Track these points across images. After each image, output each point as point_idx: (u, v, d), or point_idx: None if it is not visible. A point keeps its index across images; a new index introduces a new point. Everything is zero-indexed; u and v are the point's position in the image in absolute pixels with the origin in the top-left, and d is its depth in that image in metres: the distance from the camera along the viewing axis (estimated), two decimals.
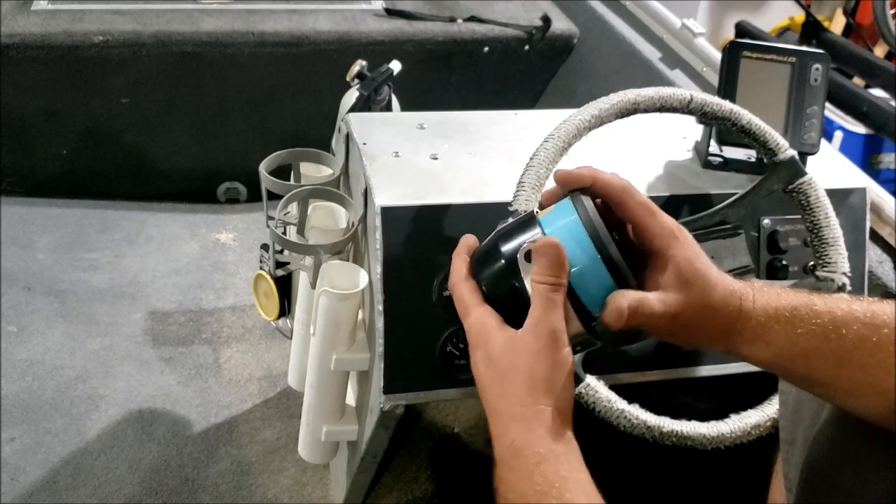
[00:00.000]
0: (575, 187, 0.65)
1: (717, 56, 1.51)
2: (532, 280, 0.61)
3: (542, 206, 0.69)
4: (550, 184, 0.75)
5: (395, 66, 1.37)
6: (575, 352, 0.63)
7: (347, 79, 1.36)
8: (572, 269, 0.61)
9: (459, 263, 0.68)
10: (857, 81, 2.19)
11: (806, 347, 0.60)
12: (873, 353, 0.58)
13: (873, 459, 0.61)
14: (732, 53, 0.98)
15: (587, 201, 0.63)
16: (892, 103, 2.00)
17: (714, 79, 1.45)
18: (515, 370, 0.60)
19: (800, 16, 2.69)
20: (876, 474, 0.61)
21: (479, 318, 0.64)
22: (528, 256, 0.62)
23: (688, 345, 0.65)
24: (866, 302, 0.61)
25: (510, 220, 0.74)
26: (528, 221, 0.65)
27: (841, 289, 0.89)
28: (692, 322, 0.62)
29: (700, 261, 0.62)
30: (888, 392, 0.57)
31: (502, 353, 0.61)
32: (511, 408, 0.60)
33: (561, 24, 1.97)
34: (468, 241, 0.69)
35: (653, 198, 0.96)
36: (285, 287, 1.16)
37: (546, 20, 1.93)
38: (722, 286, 0.62)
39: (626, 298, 0.60)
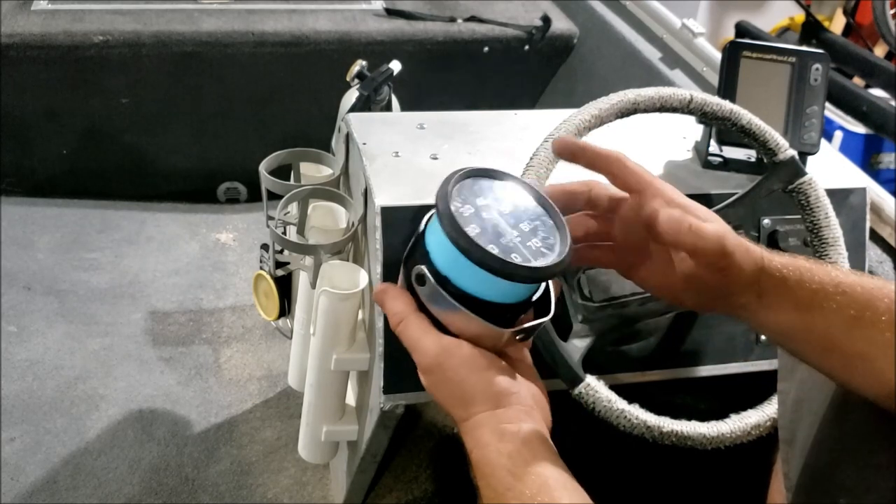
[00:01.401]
0: (570, 157, 0.67)
1: (717, 56, 1.51)
2: (392, 327, 0.62)
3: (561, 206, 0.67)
4: (550, 181, 0.75)
5: (395, 66, 1.37)
6: (528, 336, 0.63)
7: (347, 79, 1.36)
8: (453, 275, 0.59)
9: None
10: (857, 81, 2.19)
11: (818, 306, 0.61)
12: (881, 317, 0.59)
13: (874, 459, 0.61)
14: (732, 53, 0.98)
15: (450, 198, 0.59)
16: (892, 103, 2.00)
17: (714, 79, 1.45)
18: (439, 401, 0.63)
19: (800, 16, 2.69)
20: (876, 474, 0.61)
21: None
22: (418, 281, 0.60)
23: (708, 303, 0.66)
24: (871, 278, 0.62)
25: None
26: (417, 241, 0.62)
27: None
28: (727, 265, 0.62)
29: (711, 216, 0.65)
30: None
31: (434, 393, 0.63)
32: (461, 428, 0.62)
33: (561, 24, 1.97)
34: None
35: None
36: (285, 287, 1.16)
37: (546, 20, 1.93)
38: (739, 241, 0.64)
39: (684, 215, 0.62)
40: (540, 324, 0.62)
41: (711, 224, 0.63)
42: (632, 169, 0.66)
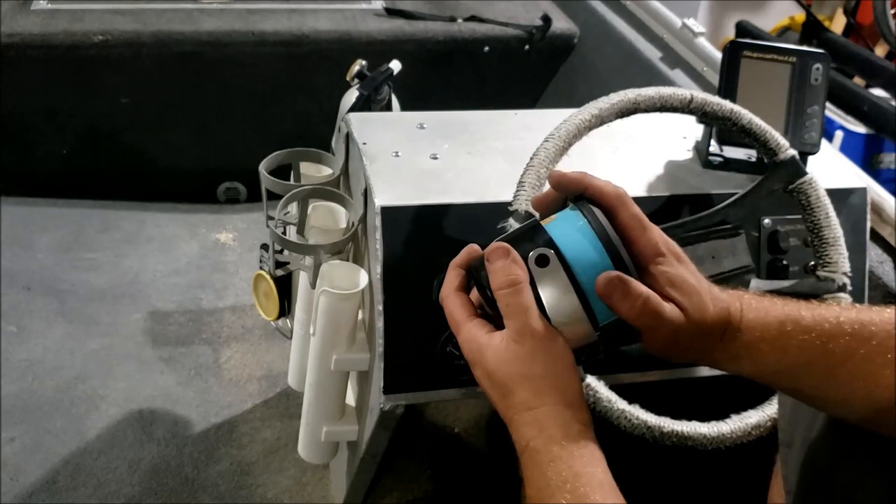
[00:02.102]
0: (568, 189, 0.64)
1: (718, 56, 1.51)
2: (493, 288, 0.61)
3: (536, 210, 0.68)
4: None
5: (395, 65, 1.37)
6: (579, 361, 0.63)
7: (347, 78, 1.36)
8: (583, 277, 0.61)
9: (453, 276, 0.66)
10: (858, 81, 2.19)
11: (793, 363, 0.60)
12: (861, 365, 0.58)
13: (871, 461, 0.61)
14: (733, 53, 0.98)
15: (595, 208, 0.62)
16: (893, 103, 2.00)
17: (714, 79, 1.44)
18: (512, 379, 0.60)
19: (800, 15, 2.69)
20: (874, 476, 0.61)
21: (469, 334, 0.63)
22: (539, 261, 0.61)
23: (673, 359, 0.64)
24: (855, 311, 0.60)
25: (511, 221, 0.73)
26: (534, 228, 0.64)
27: (841, 289, 0.89)
28: (686, 336, 0.61)
29: (693, 276, 0.62)
30: (877, 401, 0.57)
31: (497, 366, 0.61)
32: (520, 415, 0.60)
33: (561, 23, 1.97)
34: (470, 252, 0.67)
35: (653, 198, 0.96)
36: (285, 287, 1.16)
37: (546, 20, 1.93)
38: (714, 302, 0.61)
39: (645, 290, 0.60)
40: (599, 353, 0.64)
41: (669, 306, 0.60)
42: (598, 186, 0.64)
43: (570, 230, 0.62)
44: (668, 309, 0.60)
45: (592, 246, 0.61)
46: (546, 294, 0.61)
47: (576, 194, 0.64)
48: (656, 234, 0.62)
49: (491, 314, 0.64)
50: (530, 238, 0.63)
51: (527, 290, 0.60)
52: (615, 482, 0.58)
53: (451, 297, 0.65)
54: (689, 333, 0.61)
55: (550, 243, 0.62)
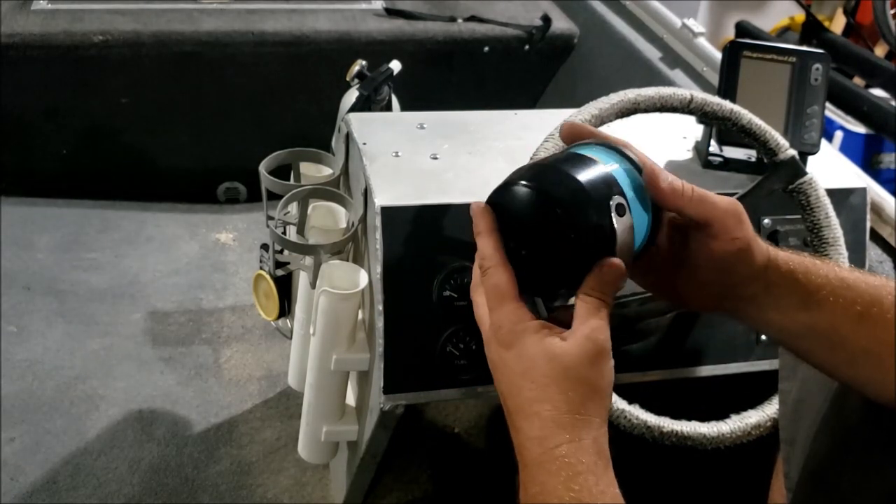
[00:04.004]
0: (580, 137, 0.66)
1: (718, 56, 1.51)
2: (583, 293, 0.59)
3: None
4: None
5: (395, 65, 1.37)
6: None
7: (347, 79, 1.36)
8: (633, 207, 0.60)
9: (491, 243, 0.61)
10: (858, 81, 2.19)
11: (828, 297, 0.61)
12: (889, 309, 0.59)
13: (874, 459, 0.61)
14: (733, 53, 0.98)
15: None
16: (893, 103, 2.00)
17: (714, 79, 1.44)
18: (568, 377, 0.58)
19: (800, 15, 2.69)
20: (877, 474, 0.61)
21: (515, 312, 0.60)
22: (619, 209, 0.58)
23: (712, 297, 0.65)
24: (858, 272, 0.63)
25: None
26: (600, 170, 0.61)
27: None
28: (739, 244, 0.62)
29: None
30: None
31: (552, 357, 0.58)
32: (559, 415, 0.57)
33: (561, 23, 1.97)
34: (487, 217, 0.62)
35: None
36: (285, 287, 1.16)
37: (546, 20, 1.93)
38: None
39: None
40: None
41: (720, 196, 0.63)
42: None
43: (628, 173, 0.62)
44: (719, 196, 0.62)
45: (640, 185, 0.61)
46: (620, 242, 0.58)
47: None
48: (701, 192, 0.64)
49: (517, 244, 0.60)
50: (603, 182, 0.59)
51: (608, 312, 0.59)
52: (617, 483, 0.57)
53: (499, 269, 0.60)
54: (745, 232, 0.62)
55: (619, 188, 0.60)
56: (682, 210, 0.63)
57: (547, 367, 0.58)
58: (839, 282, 0.61)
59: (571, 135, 0.67)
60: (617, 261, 0.58)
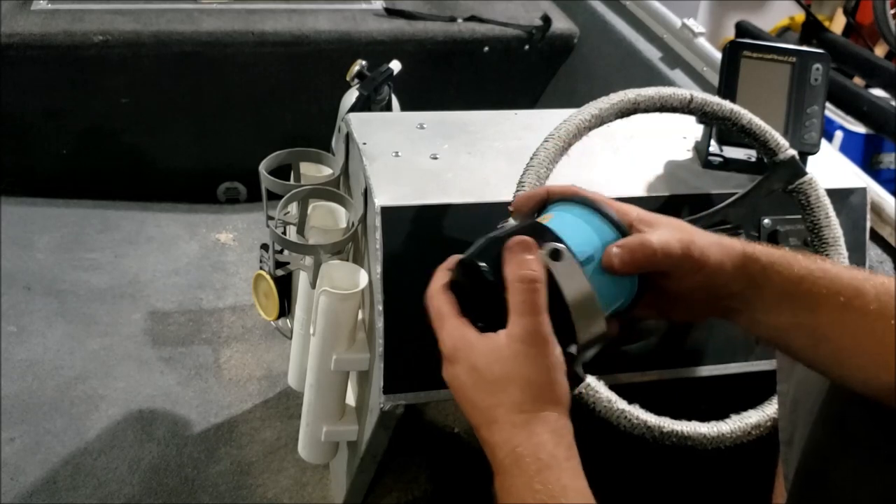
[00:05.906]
0: (535, 206, 0.68)
1: (718, 56, 1.51)
2: (509, 280, 0.60)
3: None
4: (550, 182, 0.75)
5: (395, 65, 1.36)
6: (585, 359, 0.63)
7: (347, 79, 1.36)
8: (590, 265, 0.62)
9: (440, 276, 0.66)
10: (858, 81, 2.19)
11: (810, 287, 0.61)
12: (873, 301, 0.59)
13: (869, 460, 0.61)
14: (733, 53, 0.98)
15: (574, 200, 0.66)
16: (893, 103, 2.00)
17: (714, 79, 1.44)
18: (509, 378, 0.59)
19: (800, 15, 2.69)
20: (872, 475, 0.61)
21: (456, 328, 0.62)
22: (553, 255, 0.61)
23: (697, 308, 0.66)
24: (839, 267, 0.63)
25: (510, 221, 0.73)
26: (534, 225, 0.64)
27: None
28: (707, 268, 0.62)
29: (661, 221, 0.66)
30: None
31: (491, 362, 0.59)
32: (510, 416, 0.58)
33: (561, 23, 1.97)
34: (456, 258, 0.67)
35: (653, 198, 0.97)
36: (285, 287, 1.16)
37: (546, 20, 1.93)
38: (721, 241, 0.64)
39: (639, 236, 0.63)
40: (605, 341, 0.65)
41: (655, 233, 0.63)
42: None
43: (568, 221, 0.64)
44: (654, 237, 0.63)
45: (594, 229, 0.63)
46: (567, 287, 0.60)
47: (542, 205, 0.67)
48: (624, 206, 0.66)
49: (474, 316, 0.63)
50: (537, 234, 0.62)
51: (543, 292, 0.59)
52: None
53: (439, 295, 0.64)
54: (695, 260, 0.62)
55: (557, 238, 0.62)
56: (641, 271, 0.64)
57: (489, 372, 0.59)
58: (821, 272, 0.61)
59: (525, 206, 0.69)
60: (519, 238, 0.61)
